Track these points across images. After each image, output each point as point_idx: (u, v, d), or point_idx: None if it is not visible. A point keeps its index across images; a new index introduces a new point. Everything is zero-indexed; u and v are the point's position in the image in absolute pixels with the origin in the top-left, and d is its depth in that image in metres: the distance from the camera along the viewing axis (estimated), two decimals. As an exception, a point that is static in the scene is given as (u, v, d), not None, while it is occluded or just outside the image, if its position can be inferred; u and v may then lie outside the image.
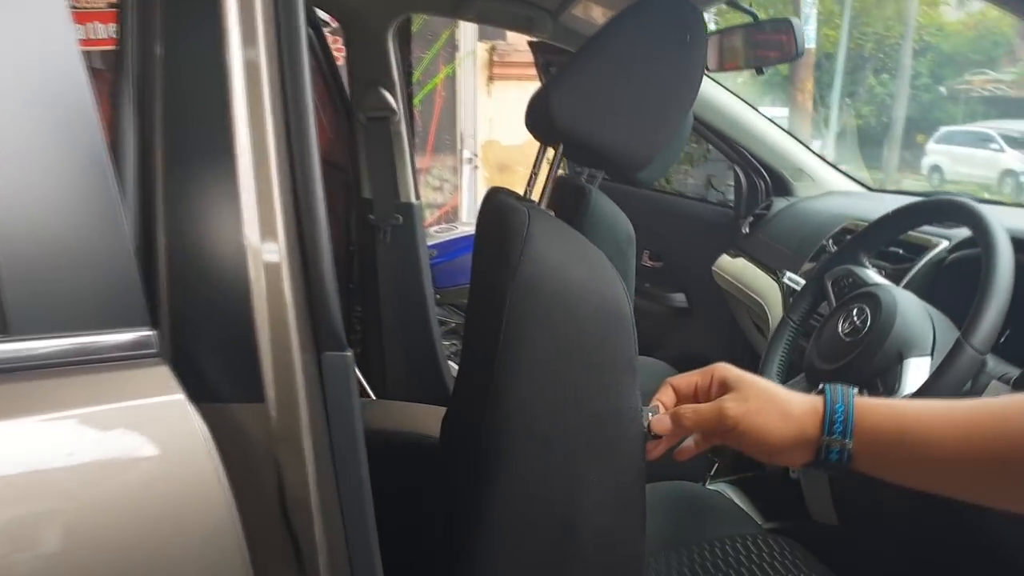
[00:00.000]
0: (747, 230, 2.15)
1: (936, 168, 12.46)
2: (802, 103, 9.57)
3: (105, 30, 3.91)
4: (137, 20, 0.65)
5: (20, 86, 0.55)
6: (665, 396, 0.84)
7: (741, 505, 1.56)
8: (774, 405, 0.74)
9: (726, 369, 0.82)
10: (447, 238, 3.58)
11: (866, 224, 1.61)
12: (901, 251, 1.41)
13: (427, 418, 1.48)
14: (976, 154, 12.04)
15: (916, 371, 1.04)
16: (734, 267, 2.11)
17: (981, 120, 13.98)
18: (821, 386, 0.75)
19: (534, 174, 1.15)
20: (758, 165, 2.19)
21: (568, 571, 0.83)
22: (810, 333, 1.33)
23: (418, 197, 2.18)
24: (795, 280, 1.61)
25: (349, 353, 0.66)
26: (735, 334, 2.26)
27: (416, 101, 4.37)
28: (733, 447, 0.80)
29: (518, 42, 5.41)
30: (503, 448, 0.80)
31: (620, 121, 0.91)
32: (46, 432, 0.52)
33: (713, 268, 2.21)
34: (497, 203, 0.94)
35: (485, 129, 5.51)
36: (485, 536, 0.81)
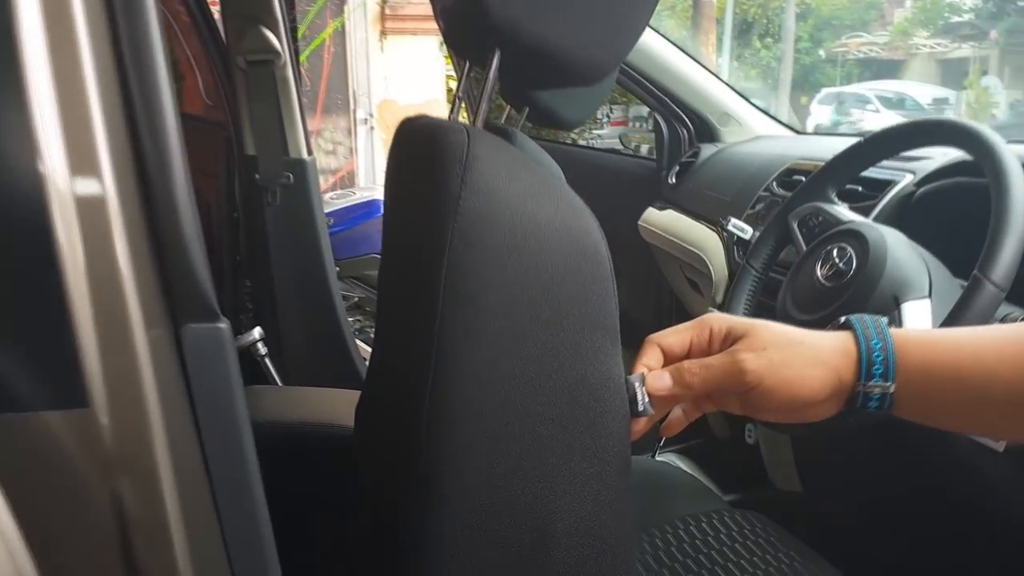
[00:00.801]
0: (674, 180, 2.00)
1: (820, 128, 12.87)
2: (707, 57, 9.59)
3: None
4: None
5: None
6: (651, 359, 0.66)
7: (696, 476, 1.41)
8: (800, 352, 0.60)
9: (725, 318, 0.66)
10: (344, 205, 3.30)
11: (815, 163, 1.47)
12: (860, 188, 1.27)
13: (337, 405, 1.25)
14: (854, 115, 12.50)
15: (916, 315, 0.89)
16: (663, 220, 1.95)
17: (857, 82, 14.53)
18: (843, 319, 0.62)
19: (458, 97, 0.93)
20: (680, 112, 2.03)
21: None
22: (771, 285, 1.18)
23: (311, 152, 1.91)
24: (740, 227, 1.46)
25: (223, 324, 0.45)
26: (663, 293, 2.12)
27: (302, 58, 4.02)
28: (740, 411, 0.65)
29: (410, -6, 5.07)
30: (451, 441, 0.59)
31: (576, 16, 0.71)
32: None
33: (639, 223, 2.05)
34: (419, 127, 0.73)
35: (380, 87, 5.13)
36: (432, 558, 0.61)
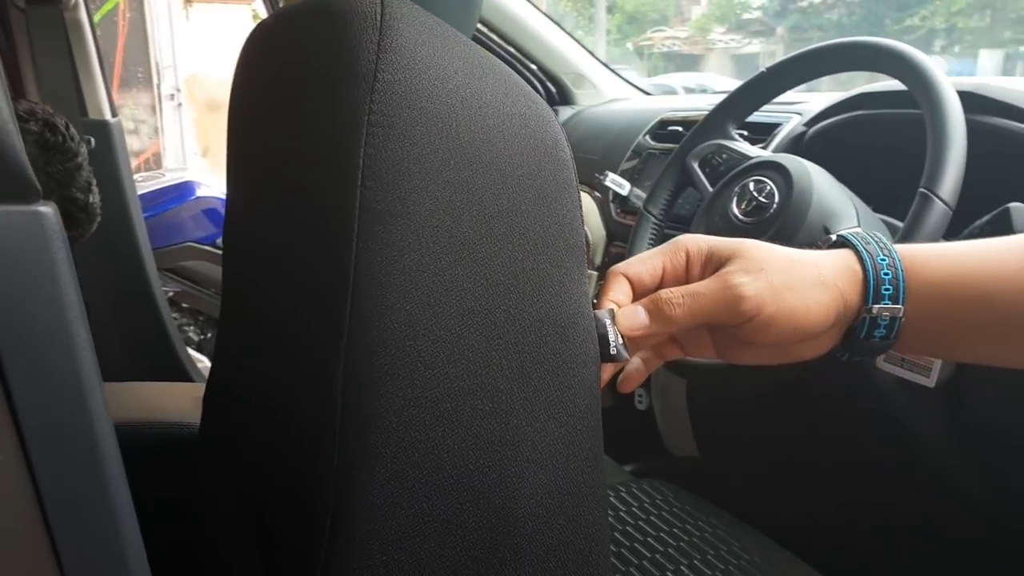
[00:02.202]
0: (533, 144, 1.89)
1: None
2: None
3: None
4: None
5: None
6: (618, 293, 0.53)
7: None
8: (802, 273, 0.50)
9: (702, 238, 0.54)
10: (152, 188, 2.92)
11: (692, 116, 1.41)
12: (747, 132, 1.21)
13: (172, 400, 1.02)
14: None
15: (851, 247, 0.82)
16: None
17: (663, 74, 15.28)
18: (835, 236, 0.54)
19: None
20: (538, 73, 1.93)
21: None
22: (668, 235, 1.09)
23: (115, 114, 1.63)
24: (618, 182, 1.37)
25: (49, 209, 0.27)
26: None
27: (95, 20, 3.54)
28: (716, 353, 0.55)
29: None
30: (377, 412, 0.42)
31: None
32: None
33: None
34: (295, 8, 0.54)
35: (187, 60, 4.64)
36: (369, 547, 0.43)
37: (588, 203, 1.51)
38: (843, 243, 0.53)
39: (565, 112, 1.88)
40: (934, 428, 0.93)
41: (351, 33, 0.42)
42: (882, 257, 0.50)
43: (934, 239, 0.75)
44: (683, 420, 1.33)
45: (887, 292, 0.49)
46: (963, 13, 10.95)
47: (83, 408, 0.35)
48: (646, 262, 0.53)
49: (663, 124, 1.45)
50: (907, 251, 0.50)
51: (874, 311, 0.49)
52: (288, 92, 0.48)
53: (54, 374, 0.33)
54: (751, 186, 0.90)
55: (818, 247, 0.53)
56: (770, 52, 14.14)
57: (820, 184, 0.87)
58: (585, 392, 0.49)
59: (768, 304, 0.48)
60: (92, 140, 1.54)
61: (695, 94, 1.92)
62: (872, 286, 0.49)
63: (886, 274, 0.49)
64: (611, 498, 1.04)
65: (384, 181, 0.41)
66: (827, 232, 0.83)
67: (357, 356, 0.42)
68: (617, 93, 1.98)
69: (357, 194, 0.41)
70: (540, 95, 1.56)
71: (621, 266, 0.53)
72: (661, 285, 0.53)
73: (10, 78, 1.50)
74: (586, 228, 1.49)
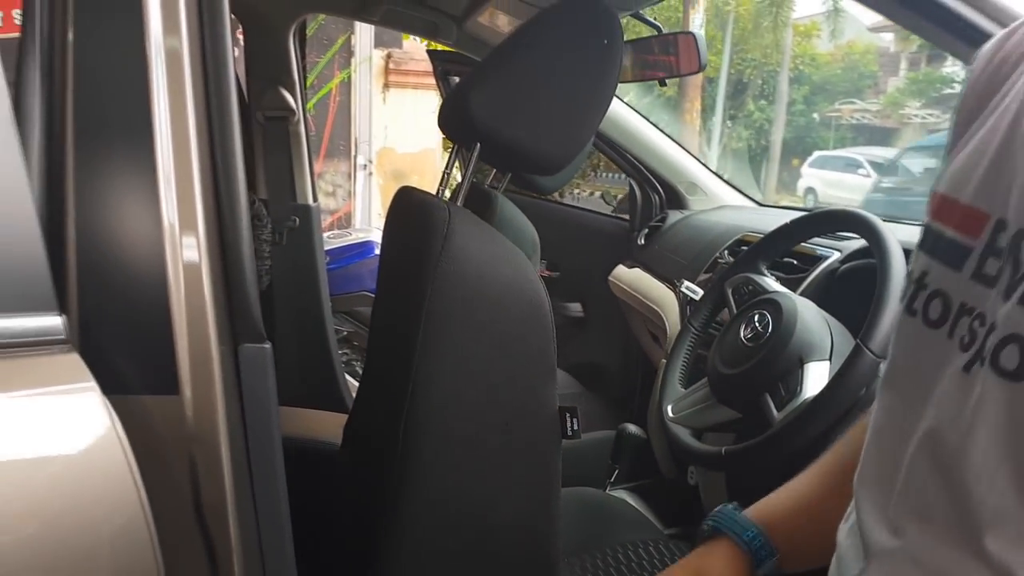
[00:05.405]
0: (643, 241, 2.21)
1: (811, 190, 13.23)
2: (690, 123, 9.97)
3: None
4: (47, 4, 0.61)
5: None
6: None
7: (641, 510, 1.59)
8: None
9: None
10: (340, 244, 3.50)
11: (761, 235, 1.68)
12: (795, 262, 1.48)
13: (325, 424, 1.44)
14: (845, 178, 12.82)
15: (816, 375, 1.09)
16: (630, 277, 2.16)
17: (850, 146, 14.96)
18: (706, 526, 0.74)
19: (447, 174, 1.14)
20: (653, 179, 2.25)
21: (486, 570, 0.82)
22: (710, 341, 1.38)
23: (316, 199, 2.12)
24: (692, 289, 1.66)
25: (268, 346, 0.63)
26: (630, 343, 2.31)
27: (310, 106, 4.27)
28: None
29: (414, 50, 5.36)
30: (423, 450, 0.78)
31: (540, 122, 0.92)
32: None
33: (610, 278, 2.26)
34: (413, 199, 0.93)
35: (380, 136, 5.42)
36: (407, 537, 0.79)
37: (672, 301, 1.80)
38: (717, 531, 0.72)
39: (674, 215, 2.19)
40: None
41: (429, 238, 0.79)
42: (748, 533, 0.70)
43: (861, 384, 1.00)
44: (723, 495, 1.58)
45: (764, 554, 0.69)
46: None
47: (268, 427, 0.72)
48: None
49: (739, 243, 1.72)
50: (752, 511, 0.72)
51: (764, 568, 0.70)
52: (401, 245, 0.87)
53: (264, 418, 0.69)
54: (755, 317, 1.19)
55: (703, 541, 0.73)
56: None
57: (806, 320, 1.14)
58: (546, 459, 0.83)
59: None
60: (297, 219, 2.04)
61: (790, 209, 2.15)
62: (756, 558, 0.69)
63: (756, 543, 0.69)
64: (639, 549, 1.33)
65: (436, 320, 0.78)
66: (801, 362, 1.10)
67: (415, 416, 0.78)
68: (730, 200, 2.25)
69: (421, 327, 0.77)
70: (655, 198, 1.88)
71: None
72: None
73: (248, 173, 2.03)
74: (665, 322, 1.79)
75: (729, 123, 14.82)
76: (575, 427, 0.83)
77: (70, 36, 0.60)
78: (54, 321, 0.53)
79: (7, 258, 0.52)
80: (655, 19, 1.58)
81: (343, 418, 1.49)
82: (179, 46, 0.61)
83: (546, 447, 0.82)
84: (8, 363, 0.50)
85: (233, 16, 2.17)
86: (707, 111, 12.83)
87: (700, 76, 10.00)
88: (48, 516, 0.49)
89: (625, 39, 1.73)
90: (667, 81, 1.75)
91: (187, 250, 0.59)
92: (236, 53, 2.05)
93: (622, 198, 2.87)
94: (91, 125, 0.60)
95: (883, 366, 0.69)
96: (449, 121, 0.99)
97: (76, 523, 0.50)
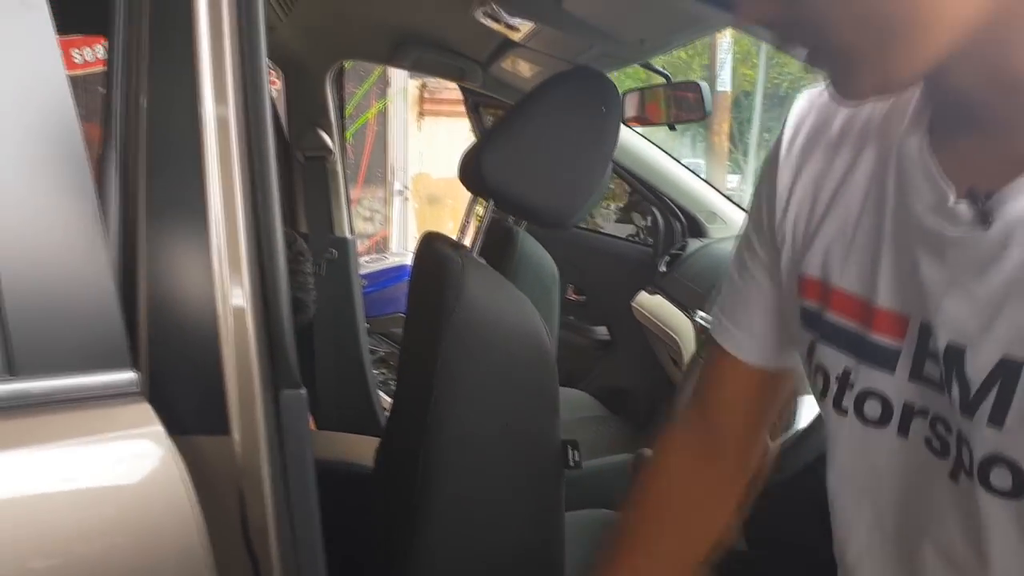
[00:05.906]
0: (664, 268, 2.29)
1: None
2: (718, 145, 10.00)
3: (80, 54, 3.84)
4: (124, 71, 0.71)
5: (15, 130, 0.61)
6: None
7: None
8: None
9: None
10: (377, 268, 3.65)
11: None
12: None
13: (360, 448, 1.54)
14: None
15: (810, 406, 1.17)
16: (651, 303, 2.24)
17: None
18: None
19: (467, 222, 1.24)
20: (675, 208, 2.33)
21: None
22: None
23: (352, 232, 2.25)
24: (707, 319, 1.74)
25: (303, 391, 0.74)
26: (655, 366, 2.38)
27: (348, 135, 4.44)
28: None
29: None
30: (440, 475, 0.89)
31: (546, 180, 1.02)
32: (41, 463, 0.58)
33: (632, 304, 2.34)
34: (433, 252, 1.04)
35: (416, 162, 5.62)
36: (425, 554, 0.89)
37: (689, 329, 1.88)
38: None
39: (694, 244, 2.26)
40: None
41: (445, 290, 0.90)
42: None
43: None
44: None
45: None
46: None
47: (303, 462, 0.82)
48: None
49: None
50: None
51: None
52: (422, 291, 0.97)
53: (301, 454, 0.80)
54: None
55: None
56: None
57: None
58: (550, 485, 0.92)
59: None
60: (335, 252, 2.17)
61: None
62: None
63: None
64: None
65: (451, 362, 0.88)
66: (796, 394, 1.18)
67: (432, 447, 0.88)
68: (748, 228, 2.32)
69: (436, 368, 0.88)
70: (677, 226, 1.97)
71: None
72: None
73: (289, 209, 2.17)
74: (682, 350, 1.87)
75: (767, 135, 14.74)
76: (576, 458, 0.93)
77: (143, 102, 0.70)
78: (129, 376, 0.64)
79: (90, 322, 0.63)
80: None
81: (376, 441, 1.60)
82: (227, 115, 0.71)
83: (549, 474, 0.91)
84: (92, 412, 0.61)
85: (272, 63, 2.32)
86: (744, 124, 12.79)
87: (727, 99, 10.02)
88: (123, 542, 0.60)
89: (636, 87, 1.82)
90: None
91: (236, 308, 0.70)
92: (274, 94, 2.20)
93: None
94: (159, 189, 0.69)
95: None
96: (466, 175, 1.10)
97: (146, 549, 0.61)
